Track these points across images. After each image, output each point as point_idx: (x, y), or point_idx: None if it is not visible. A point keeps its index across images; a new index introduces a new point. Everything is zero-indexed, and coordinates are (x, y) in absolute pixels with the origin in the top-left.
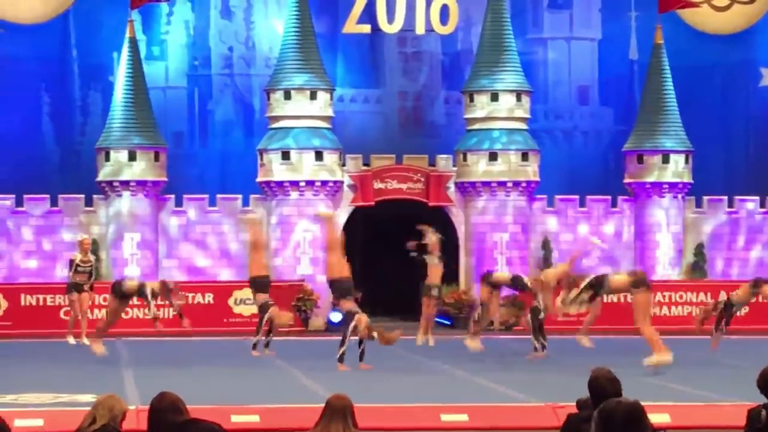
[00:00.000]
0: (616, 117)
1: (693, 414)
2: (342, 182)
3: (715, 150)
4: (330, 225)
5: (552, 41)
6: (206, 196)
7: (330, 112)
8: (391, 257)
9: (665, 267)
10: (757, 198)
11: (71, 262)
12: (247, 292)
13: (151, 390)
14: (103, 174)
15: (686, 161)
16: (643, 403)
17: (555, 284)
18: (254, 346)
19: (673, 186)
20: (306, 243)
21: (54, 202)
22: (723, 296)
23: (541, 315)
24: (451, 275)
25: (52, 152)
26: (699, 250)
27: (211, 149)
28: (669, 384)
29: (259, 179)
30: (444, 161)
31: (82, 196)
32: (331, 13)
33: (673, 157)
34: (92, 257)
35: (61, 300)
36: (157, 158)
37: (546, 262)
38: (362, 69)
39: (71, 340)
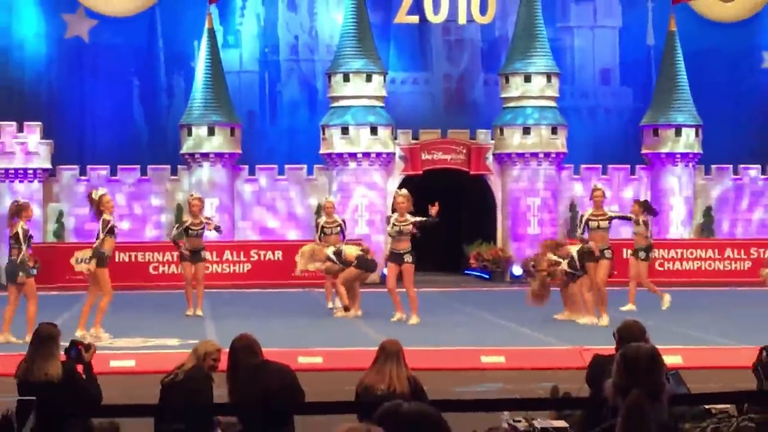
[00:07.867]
0: (635, 96)
1: (702, 356)
2: (394, 154)
3: (722, 124)
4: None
5: (578, 29)
6: (275, 166)
7: (383, 93)
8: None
9: (678, 227)
10: (759, 166)
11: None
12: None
13: (230, 336)
14: (186, 147)
15: (696, 134)
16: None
17: None
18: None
19: (684, 156)
20: (363, 207)
21: (144, 172)
22: None
23: None
24: (489, 235)
25: (142, 130)
26: (707, 212)
27: (280, 126)
28: (686, 330)
29: (321, 151)
30: (483, 135)
31: (168, 166)
32: (384, 5)
33: (684, 130)
34: (202, 218)
35: (150, 257)
36: (232, 133)
37: (573, 224)
38: (411, 55)
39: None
